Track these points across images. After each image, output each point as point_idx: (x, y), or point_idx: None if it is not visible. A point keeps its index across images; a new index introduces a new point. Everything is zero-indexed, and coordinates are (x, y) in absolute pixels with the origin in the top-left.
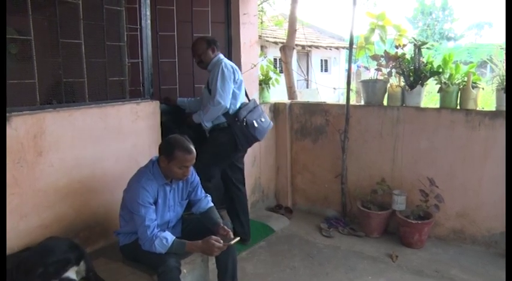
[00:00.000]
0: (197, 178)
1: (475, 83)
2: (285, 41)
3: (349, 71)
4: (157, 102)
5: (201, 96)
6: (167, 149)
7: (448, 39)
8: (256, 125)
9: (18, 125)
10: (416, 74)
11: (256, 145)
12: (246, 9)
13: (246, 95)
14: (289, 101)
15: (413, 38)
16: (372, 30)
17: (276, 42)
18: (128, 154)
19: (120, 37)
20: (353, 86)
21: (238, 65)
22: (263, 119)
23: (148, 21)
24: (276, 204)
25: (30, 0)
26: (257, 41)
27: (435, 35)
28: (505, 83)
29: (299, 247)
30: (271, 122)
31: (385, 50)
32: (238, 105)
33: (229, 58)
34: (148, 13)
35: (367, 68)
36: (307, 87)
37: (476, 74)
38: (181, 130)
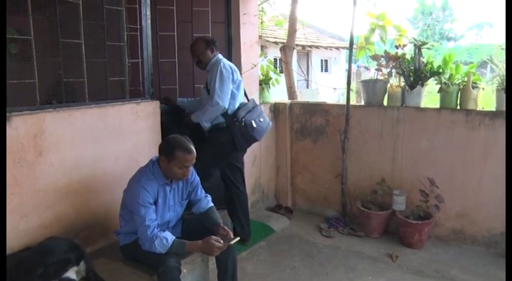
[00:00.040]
0: (197, 178)
1: (475, 83)
2: (285, 41)
3: (349, 71)
4: (158, 102)
5: (200, 97)
6: (167, 149)
7: (448, 39)
8: (254, 125)
9: (18, 125)
10: (416, 74)
11: (256, 145)
12: (246, 9)
13: (245, 95)
14: (290, 101)
15: (414, 38)
16: (372, 30)
17: (276, 42)
18: (128, 154)
19: (120, 37)
20: (353, 86)
21: (239, 65)
22: (262, 119)
23: (149, 21)
24: (276, 204)
25: (31, 0)
26: (257, 41)
27: (435, 35)
28: (505, 84)
29: (299, 247)
30: (270, 122)
31: (385, 50)
32: (236, 106)
33: (230, 58)
34: (148, 13)
35: (367, 68)
36: (308, 87)
37: (477, 74)
38: (180, 130)
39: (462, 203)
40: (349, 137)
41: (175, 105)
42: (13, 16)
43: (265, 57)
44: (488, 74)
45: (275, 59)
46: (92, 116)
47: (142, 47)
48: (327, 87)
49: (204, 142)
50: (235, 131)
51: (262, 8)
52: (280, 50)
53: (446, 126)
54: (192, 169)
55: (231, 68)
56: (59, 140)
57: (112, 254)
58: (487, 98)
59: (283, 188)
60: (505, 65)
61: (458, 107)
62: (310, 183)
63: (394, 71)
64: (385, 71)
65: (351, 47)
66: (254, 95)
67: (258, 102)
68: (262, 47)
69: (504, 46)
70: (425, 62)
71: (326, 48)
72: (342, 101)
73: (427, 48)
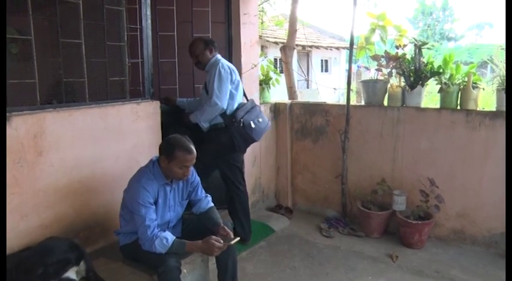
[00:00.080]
0: (197, 178)
1: (475, 83)
2: (285, 41)
3: (349, 71)
4: (158, 102)
5: (200, 97)
6: (167, 149)
7: (449, 39)
8: (253, 125)
9: (18, 125)
10: (416, 74)
11: (256, 145)
12: (246, 9)
13: (245, 95)
14: (290, 101)
15: (414, 38)
16: (373, 30)
17: (276, 43)
18: (128, 154)
19: (121, 37)
20: (353, 86)
21: (239, 65)
22: (260, 120)
23: (149, 21)
24: (276, 204)
25: (31, 0)
26: (257, 41)
27: (436, 36)
28: (505, 84)
29: (299, 247)
30: (269, 122)
31: (386, 50)
32: (235, 106)
33: (230, 58)
34: (148, 13)
35: (367, 68)
36: (308, 87)
37: (477, 74)
38: (180, 130)
39: (462, 203)
40: (350, 137)
41: (175, 105)
42: (13, 16)
43: (265, 57)
44: (488, 74)
45: (275, 59)
46: (92, 116)
47: (143, 47)
48: (327, 88)
49: (203, 142)
50: (233, 132)
51: (262, 8)
52: (281, 50)
53: (447, 126)
54: (192, 169)
55: (229, 68)
56: (59, 140)
57: (112, 254)
58: (487, 98)
59: (283, 188)
60: (505, 65)
61: (459, 107)
62: (310, 183)
63: (394, 71)
64: (385, 71)
65: (351, 47)
66: (254, 95)
67: (258, 103)
68: (262, 47)
69: (504, 46)
70: (425, 62)
71: (326, 48)
72: (342, 101)
73: (428, 48)
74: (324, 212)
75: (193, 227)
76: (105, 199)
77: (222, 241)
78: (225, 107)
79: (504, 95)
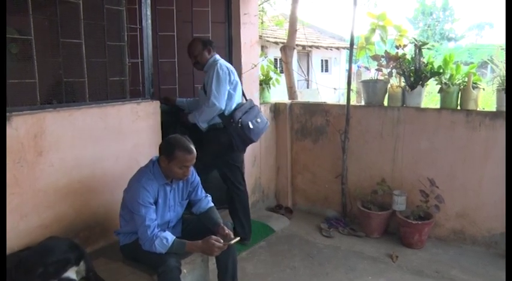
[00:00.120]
0: (197, 178)
1: (475, 83)
2: (285, 41)
3: (349, 71)
4: (158, 102)
5: (199, 97)
6: (167, 149)
7: (449, 39)
8: (251, 126)
9: (18, 125)
10: (416, 74)
11: (256, 145)
12: (246, 9)
13: (244, 95)
14: (290, 101)
15: (414, 39)
16: (373, 30)
17: (276, 43)
18: (128, 154)
19: (121, 37)
20: (353, 86)
21: (239, 65)
22: (259, 120)
23: (149, 21)
24: (276, 204)
25: (31, 0)
26: (258, 41)
27: (436, 36)
28: (505, 84)
29: (299, 247)
30: (268, 122)
31: (386, 51)
32: (233, 107)
33: (230, 58)
34: (149, 13)
35: (367, 69)
36: (308, 87)
37: (477, 74)
38: (180, 130)
39: (462, 203)
40: (350, 137)
41: (174, 105)
42: (13, 16)
43: (265, 57)
44: (488, 74)
45: (275, 59)
46: (92, 116)
47: (143, 47)
48: (327, 88)
49: (202, 142)
50: (231, 132)
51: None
52: (281, 50)
53: (447, 126)
54: (192, 168)
55: (227, 68)
56: (59, 140)
57: (112, 254)
58: (487, 99)
59: (283, 188)
60: (505, 65)
61: (459, 108)
62: (310, 183)
63: (394, 71)
64: (385, 71)
65: (351, 47)
66: (254, 95)
67: (258, 103)
68: (262, 47)
69: (504, 46)
70: (425, 62)
71: (326, 48)
72: (342, 101)
73: (428, 48)
74: (324, 212)
75: (193, 227)
76: (105, 199)
77: (222, 241)
78: (223, 108)
79: (504, 95)
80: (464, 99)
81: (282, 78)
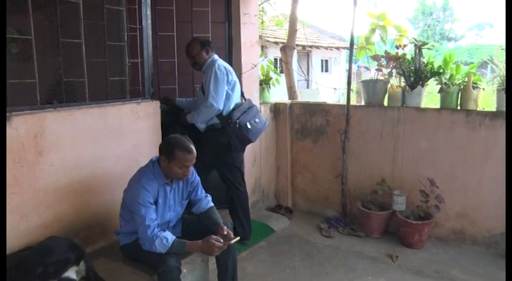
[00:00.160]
0: (197, 178)
1: (475, 83)
2: (285, 41)
3: (349, 71)
4: (158, 102)
5: (197, 97)
6: (167, 149)
7: (449, 39)
8: (249, 126)
9: (18, 125)
10: (416, 74)
11: (256, 145)
12: (246, 9)
13: (242, 95)
14: (290, 101)
15: (414, 39)
16: (373, 30)
17: (276, 43)
18: (128, 153)
19: (121, 37)
20: (353, 86)
21: (239, 65)
22: (257, 120)
23: (149, 21)
24: (276, 204)
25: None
26: (258, 41)
27: (436, 36)
28: (505, 84)
29: (299, 247)
30: (267, 122)
31: (386, 51)
32: (232, 107)
33: (230, 58)
34: (149, 13)
35: (367, 69)
36: (308, 87)
37: (477, 74)
38: (180, 130)
39: (462, 203)
40: (350, 137)
41: (174, 105)
42: (13, 16)
43: (265, 57)
44: (488, 74)
45: (275, 59)
46: (92, 116)
47: (143, 47)
48: (327, 88)
49: (201, 142)
50: (229, 133)
51: (262, 8)
52: (281, 50)
53: (447, 126)
54: (192, 168)
55: (225, 69)
56: (59, 140)
57: (112, 254)
58: (487, 99)
59: (283, 188)
60: (505, 65)
61: (459, 108)
62: (310, 183)
63: (394, 71)
64: (385, 71)
65: (351, 47)
66: (254, 95)
67: (258, 103)
68: (262, 47)
69: (504, 46)
70: (425, 62)
71: (326, 48)
72: (342, 101)
73: (428, 48)
74: (324, 212)
75: (193, 227)
76: (105, 198)
77: (222, 241)
78: (221, 108)
79: (504, 95)
80: (464, 99)
81: (282, 78)
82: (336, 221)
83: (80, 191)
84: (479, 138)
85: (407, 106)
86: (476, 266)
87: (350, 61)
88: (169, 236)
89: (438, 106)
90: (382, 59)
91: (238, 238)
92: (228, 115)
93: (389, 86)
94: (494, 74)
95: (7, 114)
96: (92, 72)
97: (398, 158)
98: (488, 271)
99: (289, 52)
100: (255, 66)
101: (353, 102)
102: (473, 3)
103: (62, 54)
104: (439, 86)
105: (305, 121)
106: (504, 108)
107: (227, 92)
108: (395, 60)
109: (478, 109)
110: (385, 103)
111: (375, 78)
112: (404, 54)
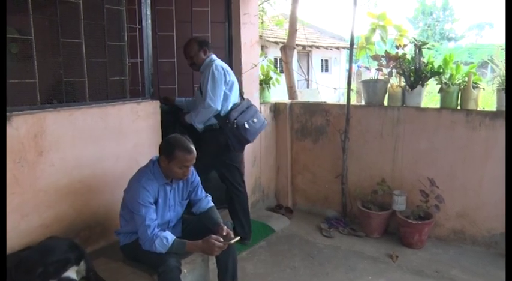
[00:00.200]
0: (197, 178)
1: (475, 83)
2: (285, 41)
3: (349, 71)
4: (158, 102)
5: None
6: (167, 149)
7: (449, 39)
8: (247, 126)
9: (18, 125)
10: (416, 74)
11: (256, 145)
12: (246, 9)
13: (241, 95)
14: (290, 101)
15: (414, 38)
16: (373, 30)
17: (276, 42)
18: (128, 153)
19: (121, 37)
20: (353, 86)
21: (239, 65)
22: (255, 120)
23: (149, 21)
24: (276, 204)
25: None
26: (258, 41)
27: (436, 36)
28: (505, 84)
29: (299, 247)
30: (266, 122)
31: (386, 50)
32: (229, 107)
33: (230, 58)
34: (148, 13)
35: (367, 68)
36: (308, 87)
37: (477, 74)
38: (180, 130)
39: (462, 203)
40: (350, 137)
41: (173, 104)
42: (14, 16)
43: (265, 57)
44: (488, 74)
45: (275, 59)
46: (92, 115)
47: (143, 47)
48: (327, 87)
49: (200, 142)
50: (227, 133)
51: (262, 8)
52: (281, 50)
53: (447, 126)
54: (192, 168)
55: (223, 69)
56: (60, 139)
57: (112, 254)
58: (487, 98)
59: (283, 188)
60: (505, 65)
61: (459, 107)
62: (310, 183)
63: (394, 71)
64: (385, 71)
65: (351, 47)
66: (254, 95)
67: (258, 102)
68: (262, 47)
69: (504, 46)
70: (425, 62)
71: (326, 48)
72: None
73: (428, 48)
74: (324, 212)
75: (193, 227)
76: (106, 198)
77: (222, 240)
78: (219, 109)
79: (504, 95)
80: (465, 99)
81: (282, 78)
82: (336, 221)
83: (80, 191)
84: (479, 138)
85: (407, 106)
86: (477, 266)
87: (350, 61)
88: (170, 236)
89: (438, 106)
90: (382, 59)
91: (238, 237)
92: (226, 115)
93: (389, 86)
94: (494, 74)
95: (7, 114)
96: (92, 72)
97: (399, 158)
98: (489, 271)
99: (289, 52)
100: (255, 66)
101: (353, 102)
102: (473, 3)
103: (62, 54)
104: (439, 86)
105: (305, 121)
106: (504, 108)
107: (225, 92)
108: (396, 60)
109: (478, 109)
110: (385, 103)
111: (375, 78)
112: (405, 54)
